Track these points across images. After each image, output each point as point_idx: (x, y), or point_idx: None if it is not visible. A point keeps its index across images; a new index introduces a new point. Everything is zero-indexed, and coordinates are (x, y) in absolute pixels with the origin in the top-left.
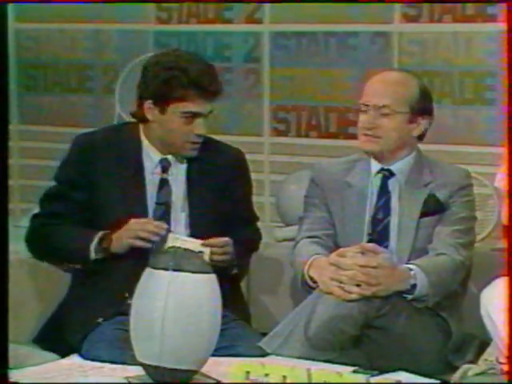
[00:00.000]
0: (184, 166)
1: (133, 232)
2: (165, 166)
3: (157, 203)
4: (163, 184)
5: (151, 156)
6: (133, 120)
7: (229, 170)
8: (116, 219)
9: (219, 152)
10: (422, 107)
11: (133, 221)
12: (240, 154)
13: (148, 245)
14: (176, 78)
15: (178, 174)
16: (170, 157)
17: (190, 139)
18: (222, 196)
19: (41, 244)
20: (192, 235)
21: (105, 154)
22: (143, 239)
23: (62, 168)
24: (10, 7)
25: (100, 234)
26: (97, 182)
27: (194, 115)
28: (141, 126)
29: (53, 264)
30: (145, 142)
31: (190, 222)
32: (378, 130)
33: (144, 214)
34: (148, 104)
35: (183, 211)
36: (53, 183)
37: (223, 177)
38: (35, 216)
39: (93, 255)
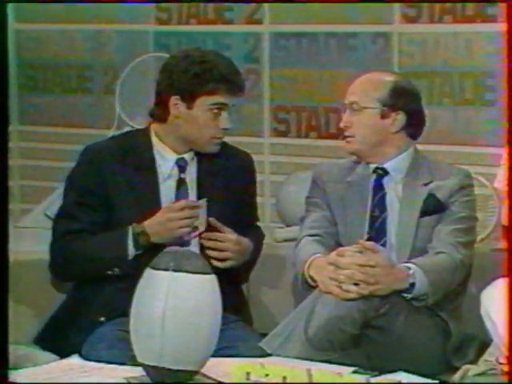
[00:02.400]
0: (195, 166)
1: (173, 223)
2: (182, 166)
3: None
4: (181, 184)
5: (166, 157)
6: (138, 127)
7: (239, 173)
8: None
9: (229, 155)
10: (395, 103)
11: (166, 209)
12: (250, 158)
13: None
14: (208, 71)
15: (193, 174)
16: (186, 156)
17: (215, 134)
18: (231, 198)
19: (71, 263)
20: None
21: (115, 161)
22: (184, 227)
23: (73, 181)
24: (10, 8)
25: (131, 227)
26: (110, 189)
27: (221, 108)
28: (153, 128)
29: (87, 279)
30: (157, 144)
31: None
32: (351, 129)
33: None
34: (174, 100)
35: None
36: (65, 200)
37: (233, 180)
38: (56, 239)
39: (132, 251)
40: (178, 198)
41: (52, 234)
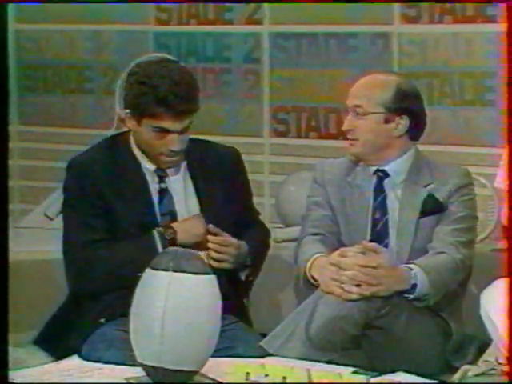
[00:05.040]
0: (181, 175)
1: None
2: (160, 176)
3: (161, 214)
4: (163, 193)
5: (146, 166)
6: (119, 130)
7: (230, 168)
8: (131, 234)
9: (217, 153)
10: (399, 107)
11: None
12: (235, 151)
13: None
14: (145, 94)
15: (177, 182)
16: None
17: (164, 153)
18: (229, 195)
19: (99, 271)
20: None
21: (104, 174)
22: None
23: (71, 194)
24: (10, 8)
25: (156, 230)
26: (106, 199)
27: (166, 131)
28: (131, 137)
29: (114, 286)
30: (137, 153)
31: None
32: (355, 132)
33: (157, 225)
34: (126, 114)
35: None
36: (72, 212)
37: (226, 176)
38: (78, 250)
39: (161, 237)
40: (161, 208)
41: (69, 247)
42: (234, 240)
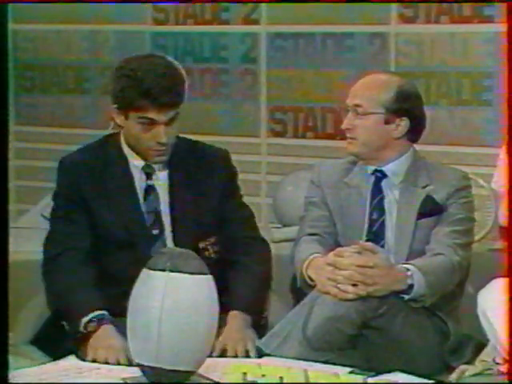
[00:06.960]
0: (166, 172)
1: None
2: (148, 173)
3: (146, 212)
4: (150, 191)
5: (134, 163)
6: (112, 131)
7: (213, 171)
8: (115, 234)
9: (202, 152)
10: (399, 108)
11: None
12: (224, 153)
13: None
14: (129, 87)
15: (163, 180)
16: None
17: (152, 146)
18: (207, 195)
19: (49, 292)
20: (175, 244)
21: (92, 175)
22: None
23: (58, 197)
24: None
25: (91, 314)
26: (92, 201)
27: (152, 123)
28: (122, 134)
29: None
30: (127, 151)
31: (172, 231)
32: (354, 131)
33: (142, 223)
34: (114, 109)
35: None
36: (56, 217)
37: (207, 180)
38: (48, 259)
39: (82, 329)
40: (147, 206)
41: (44, 252)
42: None
